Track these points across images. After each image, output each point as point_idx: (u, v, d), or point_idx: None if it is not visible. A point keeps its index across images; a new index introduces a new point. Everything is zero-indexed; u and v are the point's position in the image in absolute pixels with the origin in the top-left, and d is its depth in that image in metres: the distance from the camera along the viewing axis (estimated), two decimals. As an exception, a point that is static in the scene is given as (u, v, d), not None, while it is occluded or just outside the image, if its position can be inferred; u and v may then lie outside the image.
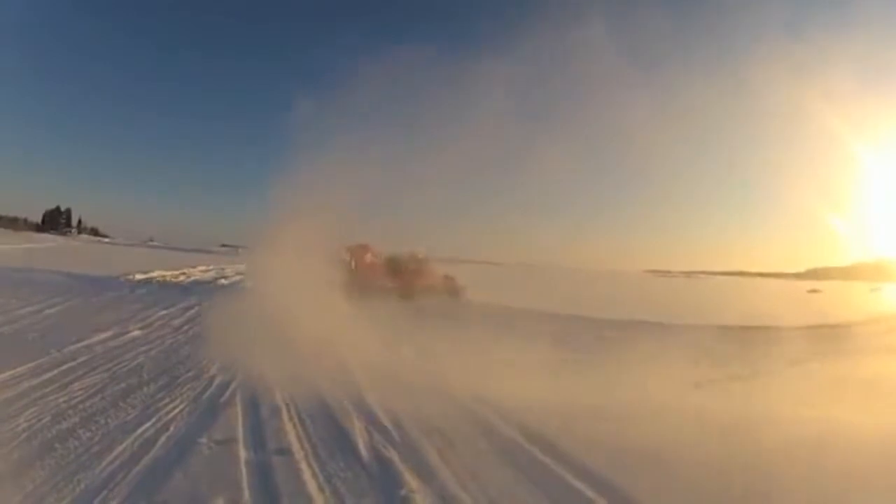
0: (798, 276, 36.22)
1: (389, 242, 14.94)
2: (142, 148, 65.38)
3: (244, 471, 3.24)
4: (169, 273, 16.89)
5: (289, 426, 4.07)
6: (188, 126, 63.14)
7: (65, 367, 5.23)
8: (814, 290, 26.94)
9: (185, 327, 8.21)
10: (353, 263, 13.92)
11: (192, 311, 9.83)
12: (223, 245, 51.76)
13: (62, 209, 53.64)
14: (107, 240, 57.67)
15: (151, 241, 58.15)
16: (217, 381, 5.16)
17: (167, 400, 4.48)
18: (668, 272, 50.47)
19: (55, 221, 52.25)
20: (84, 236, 54.24)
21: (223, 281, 16.95)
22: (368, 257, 14.53)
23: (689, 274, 49.16)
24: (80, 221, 55.47)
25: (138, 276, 15.06)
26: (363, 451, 3.68)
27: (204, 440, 3.67)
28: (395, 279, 14.15)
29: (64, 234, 51.59)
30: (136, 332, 7.37)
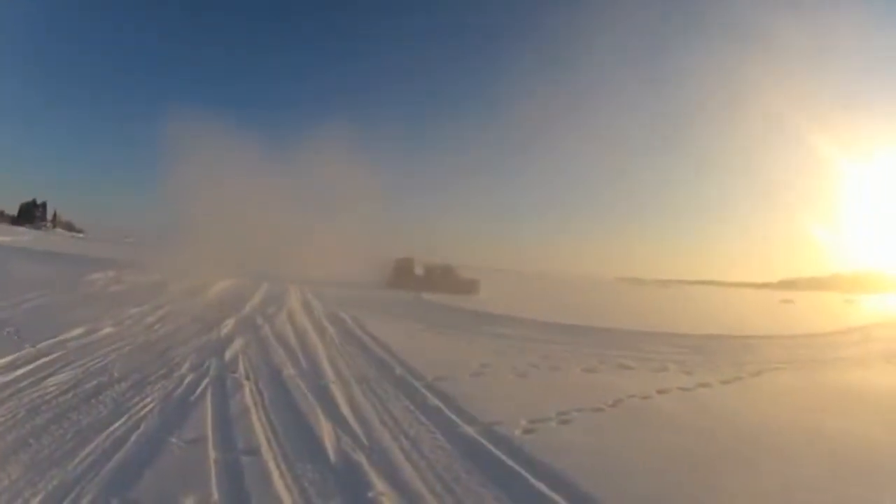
0: (771, 286, 39.44)
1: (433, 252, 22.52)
2: (123, 144, 62.99)
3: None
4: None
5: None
6: (168, 123, 61.43)
7: None
8: (787, 301, 28.42)
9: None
10: (398, 267, 21.75)
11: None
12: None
13: (38, 202, 51.12)
14: (81, 235, 55.19)
15: (127, 238, 56.01)
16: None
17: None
18: (641, 280, 53.23)
19: (31, 214, 49.76)
20: (59, 230, 51.93)
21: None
22: (409, 264, 22.11)
23: (663, 283, 52.07)
24: (55, 215, 52.99)
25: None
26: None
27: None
28: (429, 279, 20.94)
29: (39, 227, 49.27)
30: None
